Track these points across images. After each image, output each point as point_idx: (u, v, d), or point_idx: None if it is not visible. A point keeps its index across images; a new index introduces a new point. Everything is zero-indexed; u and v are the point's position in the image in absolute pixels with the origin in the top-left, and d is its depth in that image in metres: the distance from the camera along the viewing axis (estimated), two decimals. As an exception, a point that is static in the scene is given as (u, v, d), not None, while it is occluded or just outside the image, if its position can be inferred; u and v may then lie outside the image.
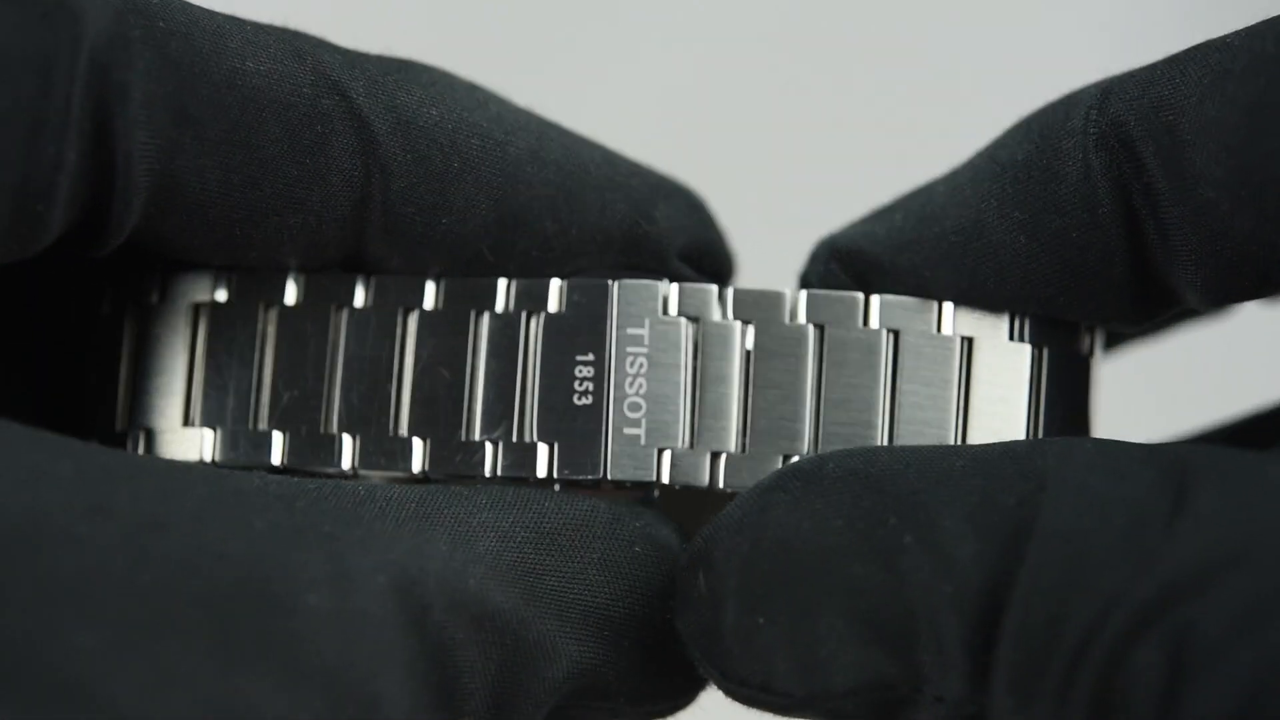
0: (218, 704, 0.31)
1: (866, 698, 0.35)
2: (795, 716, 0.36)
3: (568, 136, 0.40)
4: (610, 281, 0.38)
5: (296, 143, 0.37)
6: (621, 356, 0.38)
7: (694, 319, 0.38)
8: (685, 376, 0.38)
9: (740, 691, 0.35)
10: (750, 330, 0.38)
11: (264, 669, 0.32)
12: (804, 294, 0.38)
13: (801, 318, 0.38)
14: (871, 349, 0.38)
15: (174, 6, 0.37)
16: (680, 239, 0.40)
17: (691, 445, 0.38)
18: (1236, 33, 0.38)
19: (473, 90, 0.39)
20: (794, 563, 0.35)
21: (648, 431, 0.37)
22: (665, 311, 0.38)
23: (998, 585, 0.33)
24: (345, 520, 0.34)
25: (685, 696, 0.38)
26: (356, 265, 0.39)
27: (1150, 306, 0.38)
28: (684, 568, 0.36)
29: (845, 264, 0.39)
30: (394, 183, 0.38)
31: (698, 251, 0.41)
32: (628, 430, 0.38)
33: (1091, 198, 0.37)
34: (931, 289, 0.38)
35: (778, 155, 0.87)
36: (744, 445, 0.38)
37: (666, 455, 0.38)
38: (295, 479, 0.36)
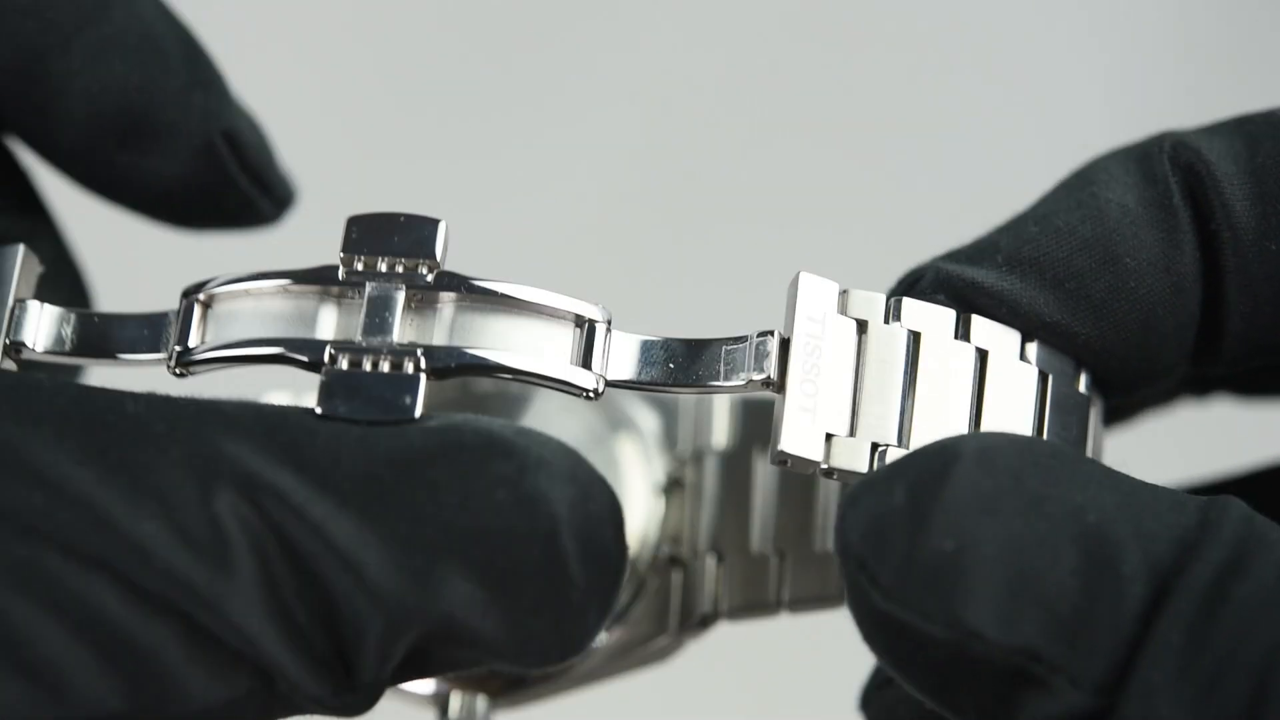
0: None
1: (1006, 662, 0.34)
2: (921, 670, 0.35)
3: None
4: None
5: None
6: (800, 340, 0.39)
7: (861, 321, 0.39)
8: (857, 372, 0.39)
9: (915, 625, 0.34)
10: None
11: None
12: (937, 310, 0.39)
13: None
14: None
15: None
16: None
17: (853, 434, 0.38)
18: None
19: None
20: (1024, 491, 0.35)
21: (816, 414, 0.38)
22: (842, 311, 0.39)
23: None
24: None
25: (557, 651, 0.37)
26: None
27: (1211, 361, 0.40)
28: (882, 482, 0.36)
29: (951, 294, 0.39)
30: None
31: None
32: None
33: (1181, 252, 0.39)
34: (1023, 323, 0.39)
35: (777, 154, 0.87)
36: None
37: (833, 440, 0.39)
38: None
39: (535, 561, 0.35)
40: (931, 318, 0.39)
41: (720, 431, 0.45)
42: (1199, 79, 0.88)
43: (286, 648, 0.35)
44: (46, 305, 0.41)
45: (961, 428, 0.38)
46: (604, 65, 0.89)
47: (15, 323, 0.40)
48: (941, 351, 0.39)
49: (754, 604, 0.43)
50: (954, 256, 0.40)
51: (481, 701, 0.44)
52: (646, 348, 0.39)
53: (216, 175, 0.43)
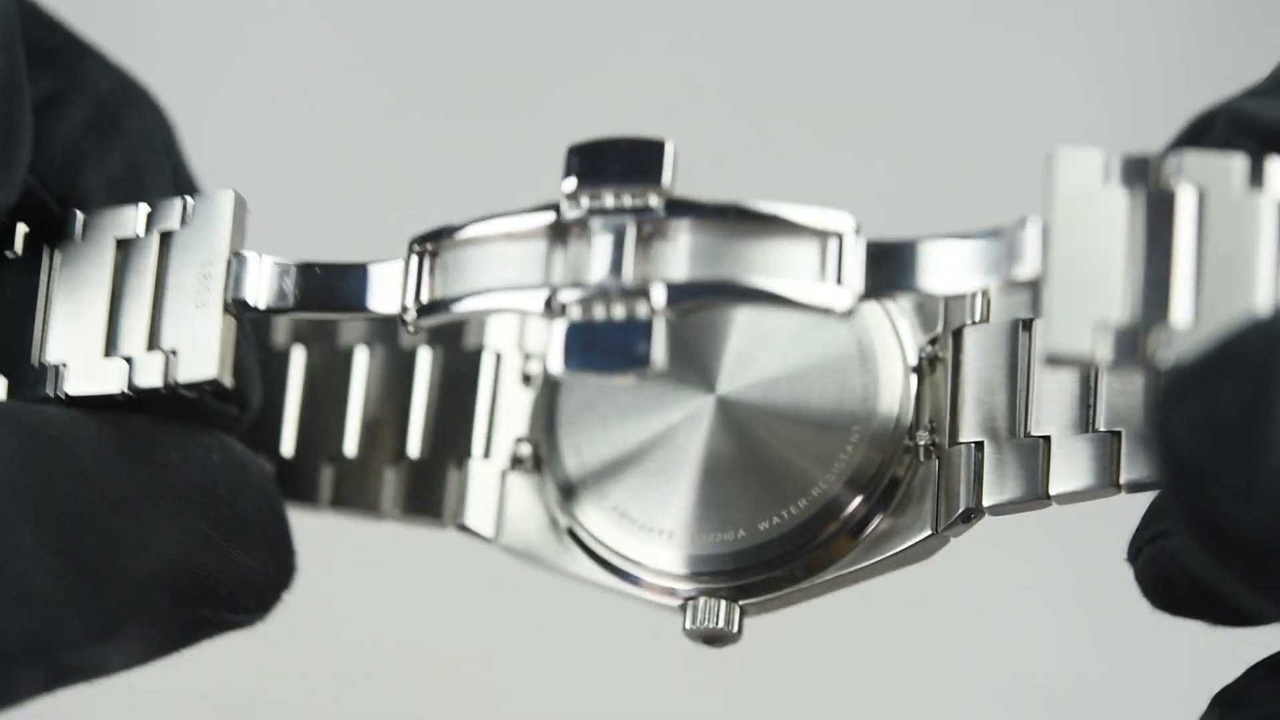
0: None
1: None
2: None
3: None
4: None
5: None
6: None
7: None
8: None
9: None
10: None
11: None
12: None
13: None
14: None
15: None
16: None
17: (1135, 319, 0.35)
18: None
19: None
20: None
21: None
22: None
23: None
24: None
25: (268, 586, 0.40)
26: None
27: None
28: (1206, 375, 0.33)
29: (1255, 136, 0.36)
30: None
31: None
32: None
33: None
34: None
35: (776, 155, 0.84)
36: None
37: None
38: None
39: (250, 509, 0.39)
40: (1217, 170, 0.35)
41: (980, 304, 0.41)
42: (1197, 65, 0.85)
43: None
44: (265, 256, 0.39)
45: (1266, 297, 0.34)
46: (604, 64, 0.86)
47: (235, 277, 0.39)
48: (1233, 207, 0.35)
49: (1019, 497, 0.40)
50: (1250, 94, 0.36)
51: (728, 605, 0.42)
52: (879, 253, 0.37)
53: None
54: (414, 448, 0.44)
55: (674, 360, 0.41)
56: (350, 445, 0.45)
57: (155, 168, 0.41)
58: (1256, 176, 0.35)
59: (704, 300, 0.37)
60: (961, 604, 0.79)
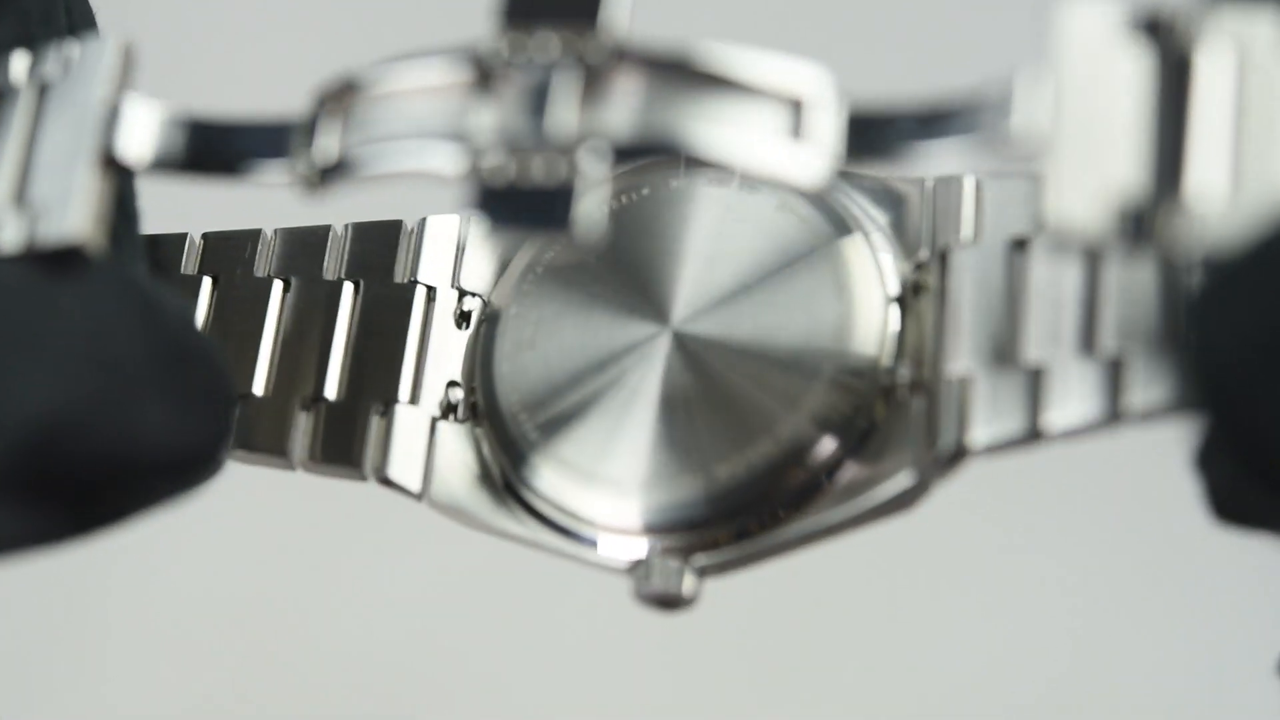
0: None
1: None
2: None
3: None
4: None
5: None
6: None
7: None
8: None
9: None
10: None
11: None
12: None
13: None
14: None
15: None
16: None
17: (1163, 190, 0.31)
18: None
19: None
20: None
21: None
22: None
23: None
24: None
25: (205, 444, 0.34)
26: None
27: None
28: (1253, 274, 0.29)
29: None
30: None
31: None
32: None
33: None
34: None
35: None
36: None
37: None
38: None
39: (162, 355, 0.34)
40: (1246, 29, 0.31)
41: (968, 222, 0.37)
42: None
43: None
44: (153, 103, 0.35)
45: None
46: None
47: (110, 130, 0.34)
48: (1263, 72, 0.31)
49: (1012, 434, 0.34)
50: None
51: (682, 564, 0.37)
52: (859, 126, 0.33)
53: None
54: (331, 389, 0.39)
55: (623, 289, 0.37)
56: (259, 384, 0.40)
57: (47, 17, 0.37)
58: None
59: (641, 158, 0.33)
60: (962, 604, 0.74)
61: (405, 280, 0.40)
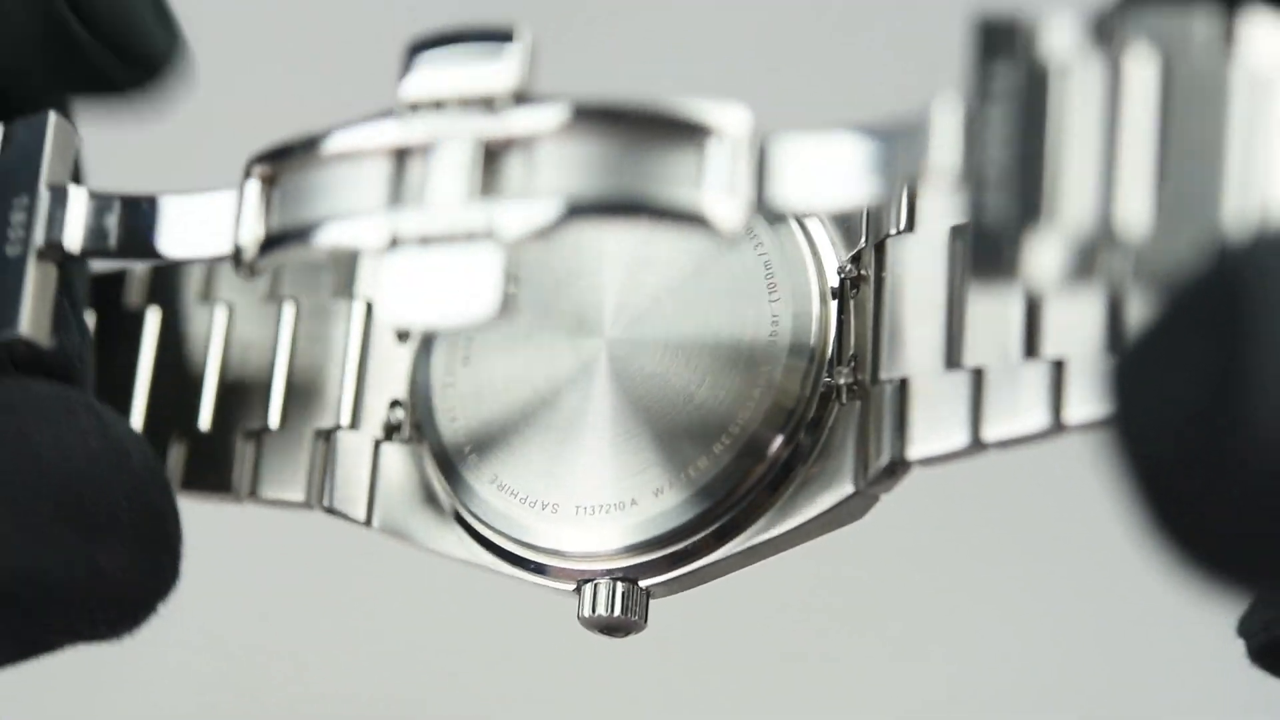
0: None
1: None
2: None
3: None
4: None
5: None
6: None
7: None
8: None
9: None
10: None
11: None
12: None
13: None
14: None
15: None
16: None
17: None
18: None
19: None
20: None
21: None
22: None
23: None
24: None
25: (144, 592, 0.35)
26: None
27: None
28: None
29: None
30: None
31: None
32: None
33: None
34: None
35: None
36: None
37: None
38: None
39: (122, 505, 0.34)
40: (1176, 32, 0.28)
41: (904, 207, 0.35)
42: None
43: None
44: (86, 190, 0.34)
45: (1236, 204, 0.28)
46: (604, 62, 0.83)
47: (50, 215, 0.34)
48: (1194, 80, 0.28)
49: (951, 447, 0.33)
50: None
51: (627, 586, 0.36)
52: (778, 157, 0.32)
53: (48, 27, 0.36)
54: (274, 418, 0.39)
55: (552, 304, 0.37)
56: (205, 419, 0.40)
57: None
58: (1225, 39, 0.28)
59: (554, 227, 0.32)
60: (961, 606, 0.74)
61: (342, 295, 0.39)
